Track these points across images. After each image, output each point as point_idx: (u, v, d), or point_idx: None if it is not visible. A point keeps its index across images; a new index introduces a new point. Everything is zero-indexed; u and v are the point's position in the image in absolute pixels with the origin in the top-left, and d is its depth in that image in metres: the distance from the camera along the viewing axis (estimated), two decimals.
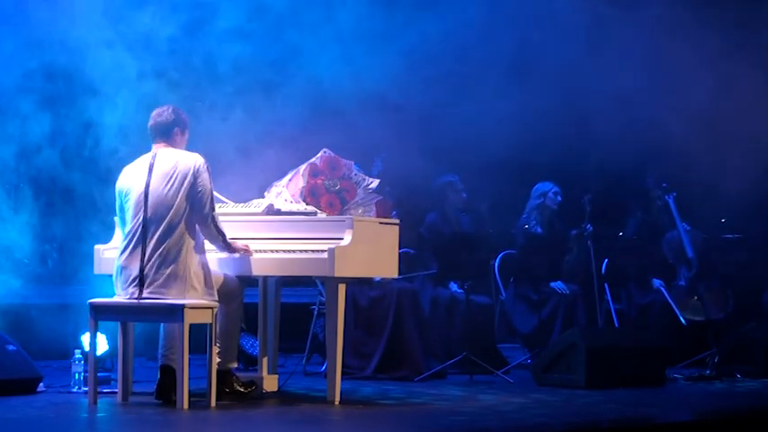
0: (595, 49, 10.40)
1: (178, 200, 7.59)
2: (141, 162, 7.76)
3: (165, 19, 9.38)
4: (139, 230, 7.61)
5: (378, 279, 9.45)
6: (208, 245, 7.79)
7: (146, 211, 7.61)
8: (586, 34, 10.38)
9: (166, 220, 7.58)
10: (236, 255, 7.85)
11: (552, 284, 10.32)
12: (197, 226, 7.66)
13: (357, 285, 9.44)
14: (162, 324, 7.68)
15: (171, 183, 7.61)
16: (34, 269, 10.84)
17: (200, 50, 9.57)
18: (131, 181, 7.71)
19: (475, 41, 10.32)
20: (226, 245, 7.76)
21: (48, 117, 9.61)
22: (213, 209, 7.68)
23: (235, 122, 9.24)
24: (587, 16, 10.30)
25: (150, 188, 7.63)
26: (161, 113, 7.82)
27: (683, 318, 10.39)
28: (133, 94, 9.24)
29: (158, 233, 7.57)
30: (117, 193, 7.76)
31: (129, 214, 7.67)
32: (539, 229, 10.60)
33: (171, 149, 7.75)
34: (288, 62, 9.76)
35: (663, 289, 10.61)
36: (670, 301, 10.49)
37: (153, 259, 7.55)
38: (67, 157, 9.94)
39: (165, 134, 7.79)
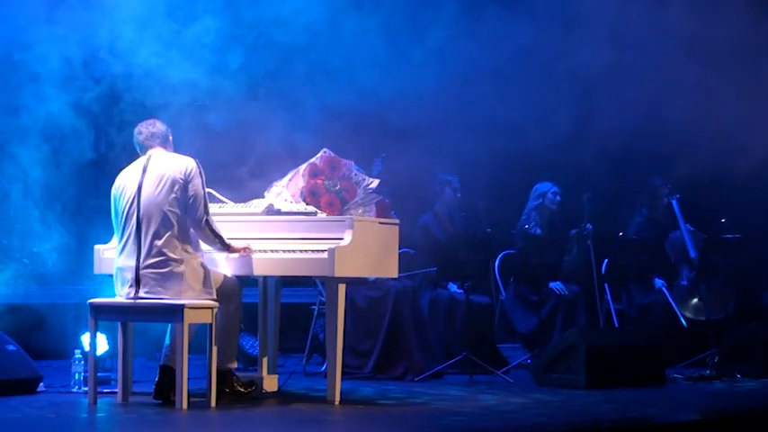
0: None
1: (169, 202, 7.59)
2: (136, 165, 7.80)
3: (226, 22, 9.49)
4: (134, 231, 7.62)
5: (373, 279, 9.46)
6: (206, 246, 7.79)
7: (138, 212, 7.62)
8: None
9: (159, 222, 7.58)
10: (236, 255, 7.85)
11: (551, 285, 10.32)
12: (191, 230, 7.66)
13: (354, 286, 9.44)
14: (170, 325, 7.67)
15: (162, 185, 7.62)
16: (34, 269, 10.85)
17: (262, 66, 9.67)
18: (125, 183, 7.73)
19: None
20: (224, 246, 7.76)
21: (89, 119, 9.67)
22: (207, 212, 7.67)
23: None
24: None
25: (142, 190, 7.64)
26: (153, 124, 7.91)
27: (684, 319, 10.39)
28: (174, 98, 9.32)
29: (152, 234, 7.57)
30: (112, 197, 7.79)
31: (123, 216, 7.68)
32: (538, 230, 10.59)
33: (165, 153, 7.80)
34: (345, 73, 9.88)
35: (665, 289, 10.61)
36: (671, 301, 10.49)
37: (148, 260, 7.55)
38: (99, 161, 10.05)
39: (163, 139, 7.87)
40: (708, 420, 7.61)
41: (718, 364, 9.63)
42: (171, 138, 7.92)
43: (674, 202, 10.87)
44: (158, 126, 7.88)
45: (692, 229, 10.87)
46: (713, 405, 8.34)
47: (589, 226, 10.45)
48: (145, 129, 7.88)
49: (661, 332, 10.13)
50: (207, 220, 7.66)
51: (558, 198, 10.66)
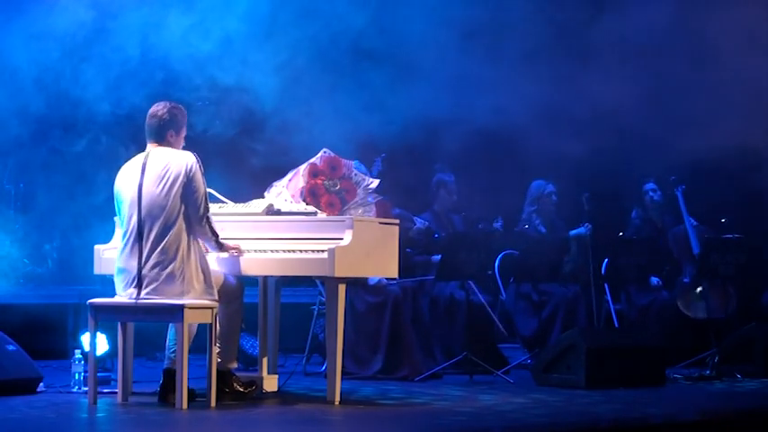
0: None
1: (171, 201, 7.54)
2: (135, 162, 7.72)
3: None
4: (135, 231, 7.58)
5: (373, 283, 9.45)
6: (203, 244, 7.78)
7: (140, 212, 7.57)
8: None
9: (161, 221, 7.54)
10: (226, 254, 7.82)
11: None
12: (192, 227, 7.64)
13: (354, 291, 9.43)
14: (171, 325, 7.66)
15: (163, 184, 7.55)
16: (34, 269, 10.86)
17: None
18: (126, 182, 7.67)
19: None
20: (218, 245, 7.73)
21: None
22: (208, 209, 7.64)
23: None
24: None
25: (143, 189, 7.58)
26: (155, 113, 7.72)
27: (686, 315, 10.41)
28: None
29: (154, 234, 7.54)
30: (115, 193, 7.74)
31: (125, 215, 7.65)
32: (543, 229, 10.57)
33: (163, 149, 7.70)
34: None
35: (661, 284, 10.61)
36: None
37: (150, 260, 7.53)
38: None
39: (158, 135, 7.72)
40: (708, 420, 7.61)
41: (718, 364, 9.63)
42: (173, 131, 7.69)
43: (678, 194, 10.83)
44: (159, 115, 7.68)
45: (695, 223, 10.83)
46: (713, 405, 8.34)
47: (588, 225, 10.43)
48: (148, 116, 7.73)
49: (661, 332, 10.13)
50: (207, 217, 7.64)
51: (554, 198, 10.64)
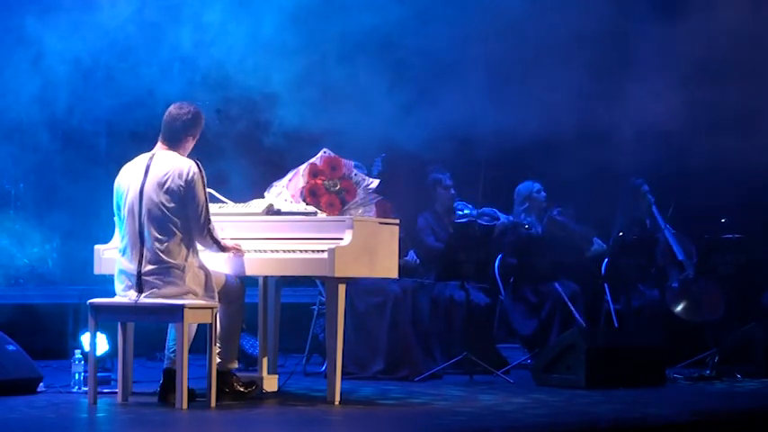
0: None
1: (171, 209, 7.52)
2: (139, 162, 7.69)
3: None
4: (136, 235, 7.56)
5: (373, 284, 9.45)
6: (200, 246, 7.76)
7: (141, 215, 7.55)
8: None
9: (162, 228, 7.51)
10: (227, 254, 7.81)
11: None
12: (193, 235, 7.63)
13: (355, 291, 9.43)
14: (171, 325, 7.66)
15: (164, 190, 7.52)
16: (34, 269, 10.86)
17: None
18: (128, 182, 7.65)
19: None
20: (219, 249, 7.72)
21: None
22: (209, 220, 7.60)
23: None
24: None
25: (145, 193, 7.56)
26: (179, 115, 7.66)
27: (677, 320, 10.40)
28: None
29: (154, 240, 7.51)
30: (115, 192, 7.72)
31: (126, 217, 7.63)
32: (539, 229, 10.56)
33: (169, 153, 7.67)
34: None
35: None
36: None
37: (151, 263, 7.51)
38: None
39: (175, 137, 7.68)
40: (708, 420, 7.61)
41: (718, 364, 9.63)
42: (191, 137, 7.67)
43: (652, 206, 10.82)
44: (183, 118, 7.62)
45: (673, 231, 10.81)
46: (713, 405, 8.34)
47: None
48: (170, 114, 7.65)
49: (660, 332, 10.12)
50: (209, 228, 7.60)
51: (543, 194, 10.63)
